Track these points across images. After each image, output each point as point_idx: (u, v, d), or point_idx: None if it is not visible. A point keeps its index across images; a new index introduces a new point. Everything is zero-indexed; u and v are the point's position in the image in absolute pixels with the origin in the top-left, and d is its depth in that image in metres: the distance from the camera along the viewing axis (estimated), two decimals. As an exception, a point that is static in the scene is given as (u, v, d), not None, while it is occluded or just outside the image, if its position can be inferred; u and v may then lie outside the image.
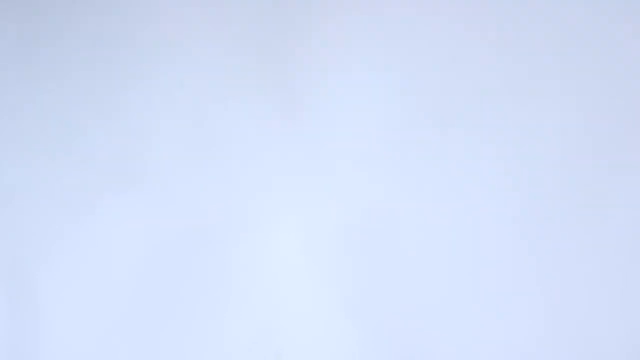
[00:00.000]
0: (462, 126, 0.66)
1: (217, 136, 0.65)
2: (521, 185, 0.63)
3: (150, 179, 0.65)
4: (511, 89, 0.65)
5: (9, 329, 0.61)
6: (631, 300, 0.60)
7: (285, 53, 0.62)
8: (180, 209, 0.64)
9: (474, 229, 0.62)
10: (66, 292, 0.62)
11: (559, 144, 0.64)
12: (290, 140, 0.65)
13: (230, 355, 0.60)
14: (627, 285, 0.60)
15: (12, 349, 0.60)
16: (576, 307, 0.60)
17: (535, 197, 0.63)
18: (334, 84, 0.66)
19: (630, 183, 0.63)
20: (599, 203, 0.62)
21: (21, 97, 0.67)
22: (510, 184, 0.63)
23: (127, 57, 0.68)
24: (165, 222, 0.63)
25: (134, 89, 0.67)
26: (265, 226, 0.63)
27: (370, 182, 0.63)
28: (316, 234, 0.63)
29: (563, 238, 0.62)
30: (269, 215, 0.63)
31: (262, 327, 0.60)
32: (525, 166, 0.64)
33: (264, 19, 0.66)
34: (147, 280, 0.62)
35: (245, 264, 0.62)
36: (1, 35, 0.69)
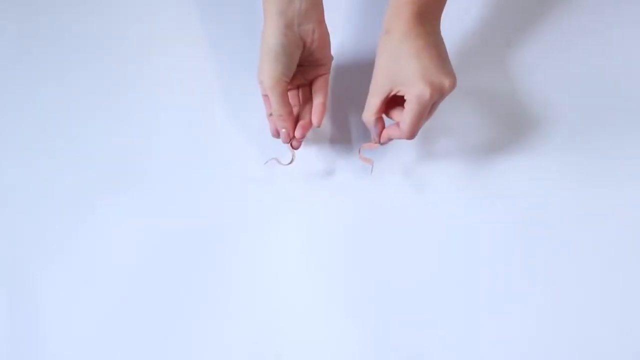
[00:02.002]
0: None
1: (217, 136, 0.65)
2: (517, 186, 0.63)
3: (151, 178, 0.65)
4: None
5: (8, 329, 0.61)
6: (627, 301, 0.60)
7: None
8: (180, 209, 0.64)
9: (473, 230, 0.62)
10: (66, 292, 0.62)
11: (555, 143, 0.65)
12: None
13: (229, 355, 0.60)
14: (624, 287, 0.60)
15: (11, 349, 0.60)
16: (573, 308, 0.60)
17: (531, 198, 0.63)
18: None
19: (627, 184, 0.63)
20: (595, 203, 0.62)
21: (20, 97, 0.67)
22: (507, 185, 0.63)
23: (127, 57, 0.68)
24: (165, 222, 0.63)
25: (133, 88, 0.67)
26: (266, 226, 0.63)
27: (371, 181, 0.63)
28: (316, 235, 0.63)
29: (559, 239, 0.62)
30: (269, 215, 0.63)
31: (262, 327, 0.60)
32: (522, 166, 0.64)
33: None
34: (147, 280, 0.62)
35: (245, 264, 0.62)
36: (1, 35, 0.69)
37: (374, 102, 0.55)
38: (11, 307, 0.61)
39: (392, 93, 0.54)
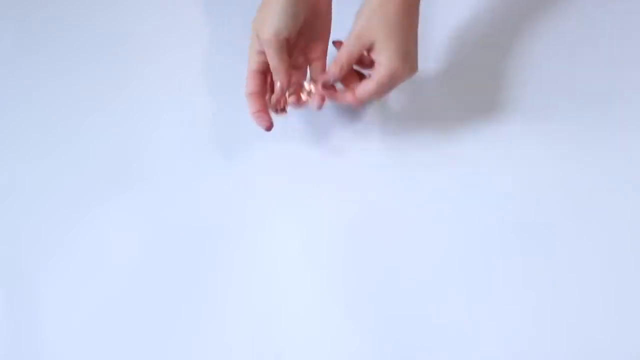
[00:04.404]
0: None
1: (217, 136, 0.65)
2: (515, 185, 0.63)
3: (150, 178, 0.65)
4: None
5: (8, 329, 0.61)
6: (625, 301, 0.60)
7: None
8: (180, 210, 0.64)
9: (472, 230, 0.63)
10: (66, 292, 0.62)
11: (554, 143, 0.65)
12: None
13: (229, 354, 0.60)
14: (622, 286, 0.60)
15: (11, 349, 0.60)
16: (571, 307, 0.60)
17: (529, 197, 0.63)
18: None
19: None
20: (592, 202, 0.63)
21: (19, 97, 0.67)
22: (505, 184, 0.64)
23: (126, 57, 0.68)
24: (164, 222, 0.63)
25: (133, 88, 0.67)
26: (266, 226, 0.63)
27: (371, 182, 0.63)
28: (316, 234, 0.63)
29: (557, 237, 0.62)
30: (269, 215, 0.63)
31: (261, 327, 0.60)
32: (520, 166, 0.64)
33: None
34: (147, 280, 0.62)
35: (245, 264, 0.62)
36: (0, 34, 0.69)
37: (345, 58, 0.55)
38: (11, 307, 0.61)
39: (364, 52, 0.55)
